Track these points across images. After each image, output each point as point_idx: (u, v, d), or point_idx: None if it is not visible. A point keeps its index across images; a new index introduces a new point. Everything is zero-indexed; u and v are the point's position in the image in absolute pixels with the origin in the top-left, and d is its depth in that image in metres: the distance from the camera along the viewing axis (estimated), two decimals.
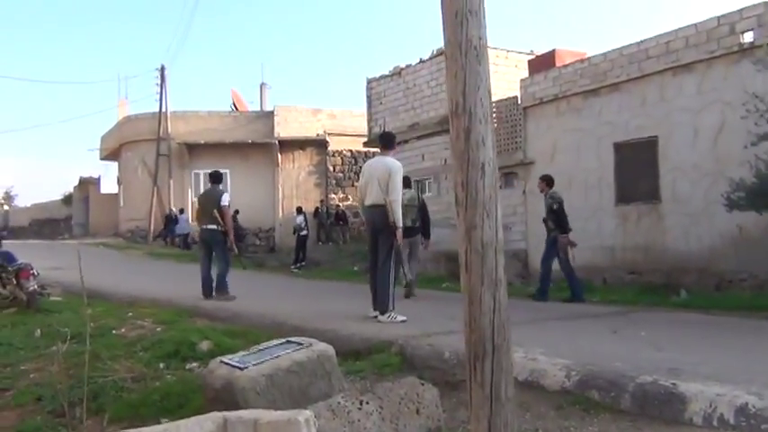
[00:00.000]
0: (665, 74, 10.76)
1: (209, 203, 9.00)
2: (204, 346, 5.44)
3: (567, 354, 4.35)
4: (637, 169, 11.20)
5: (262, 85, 31.01)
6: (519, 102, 13.61)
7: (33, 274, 8.17)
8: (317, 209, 23.98)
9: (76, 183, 35.14)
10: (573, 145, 12.39)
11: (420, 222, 10.04)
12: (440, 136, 15.95)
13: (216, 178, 9.43)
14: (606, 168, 11.75)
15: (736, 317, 6.84)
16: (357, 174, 25.69)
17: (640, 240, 11.15)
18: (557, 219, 9.63)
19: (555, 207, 9.60)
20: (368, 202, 6.71)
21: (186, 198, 25.69)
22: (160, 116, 26.24)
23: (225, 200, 9.01)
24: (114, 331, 6.44)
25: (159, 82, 26.61)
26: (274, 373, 3.70)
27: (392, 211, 6.52)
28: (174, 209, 25.28)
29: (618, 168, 11.59)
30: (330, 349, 4.13)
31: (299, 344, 4.20)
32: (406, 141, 17.06)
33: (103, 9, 70.45)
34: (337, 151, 25.74)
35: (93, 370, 4.70)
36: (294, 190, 25.41)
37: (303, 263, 18.07)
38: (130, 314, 7.32)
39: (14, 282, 8.15)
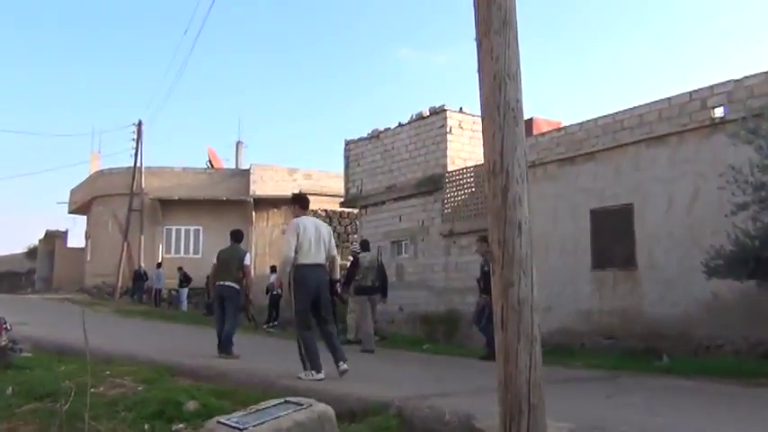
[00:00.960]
0: (639, 144, 11.14)
1: (233, 261, 9.08)
2: (191, 405, 5.26)
3: (569, 417, 4.32)
4: (613, 236, 11.43)
5: (238, 143, 31.18)
6: None
7: (6, 328, 7.89)
8: None
9: (42, 236, 34.40)
10: (550, 210, 12.63)
11: (379, 282, 10.88)
12: (417, 198, 16.15)
13: (237, 236, 9.54)
14: (582, 234, 11.97)
15: (722, 383, 6.90)
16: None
17: (617, 305, 11.28)
18: (486, 280, 9.79)
19: (486, 269, 9.93)
20: (312, 260, 6.72)
21: (157, 254, 25.28)
22: (135, 171, 26.08)
23: (248, 259, 9.20)
24: (93, 389, 6.19)
25: (135, 137, 26.57)
26: None
27: (336, 269, 6.87)
28: (143, 265, 24.82)
29: (594, 234, 11.81)
30: (330, 410, 4.06)
31: (299, 404, 4.11)
32: (383, 203, 17.22)
33: (79, 60, 70.64)
34: (312, 211, 25.73)
35: (74, 431, 4.51)
36: (267, 248, 25.24)
37: (276, 322, 17.78)
38: (108, 372, 7.06)
39: None
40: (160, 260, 24.78)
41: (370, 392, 5.47)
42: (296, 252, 6.69)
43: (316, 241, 6.75)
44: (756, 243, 7.24)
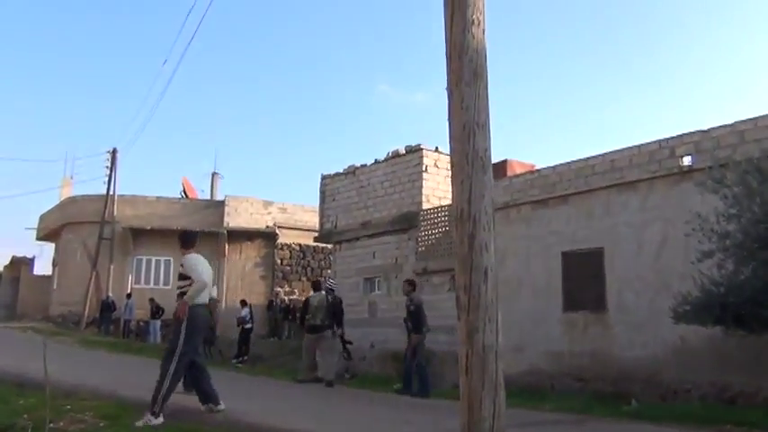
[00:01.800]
0: (610, 189, 11.34)
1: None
2: None
3: None
4: (584, 278, 11.55)
5: (213, 175, 31.10)
6: None
7: None
8: (270, 302, 23.55)
9: (7, 262, 33.68)
10: (522, 251, 12.74)
11: (328, 321, 11.75)
12: (391, 235, 16.19)
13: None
14: (554, 276, 12.07)
15: (688, 429, 6.94)
16: (305, 268, 25.59)
17: (587, 348, 11.34)
18: (413, 320, 10.97)
19: (411, 308, 11.03)
20: (203, 301, 6.67)
21: (126, 284, 24.87)
22: (107, 198, 25.79)
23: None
24: (51, 425, 6.02)
25: (110, 164, 26.33)
26: None
27: (216, 309, 6.84)
28: (111, 295, 24.36)
29: (565, 276, 11.92)
30: None
31: None
32: (357, 239, 17.22)
33: (55, 86, 70.24)
34: (286, 244, 25.67)
35: None
36: (239, 281, 25.00)
37: (245, 357, 17.51)
38: (69, 406, 6.87)
39: None
40: (129, 290, 24.37)
41: None
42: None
43: (210, 282, 6.75)
44: (721, 290, 7.37)
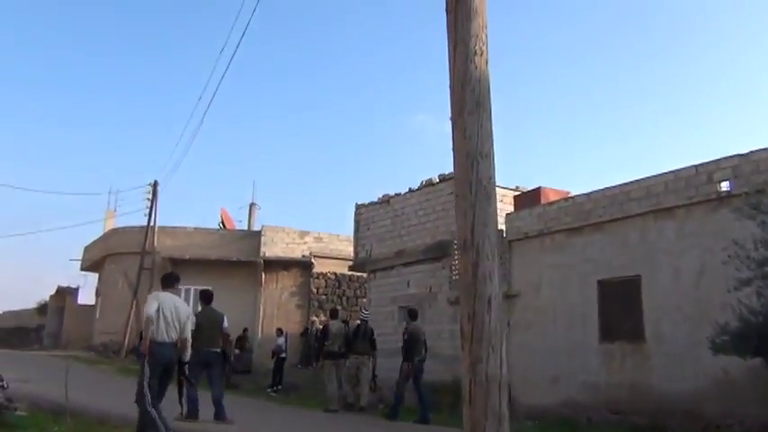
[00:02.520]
0: (646, 216, 11.14)
1: (215, 326, 9.25)
2: None
3: None
4: (620, 308, 11.30)
5: (251, 205, 31.52)
6: (504, 235, 13.92)
7: (2, 386, 7.89)
8: (306, 329, 23.59)
9: (53, 291, 34.56)
10: (557, 280, 12.56)
11: (344, 348, 12.41)
12: (425, 264, 16.13)
13: (208, 299, 9.68)
14: (590, 305, 11.84)
15: None
16: (341, 296, 25.60)
17: (625, 379, 11.04)
18: (405, 348, 11.59)
19: (405, 337, 11.70)
20: (163, 339, 6.93)
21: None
22: (147, 230, 26.37)
23: (226, 322, 9.42)
24: None
25: (150, 197, 26.97)
26: None
27: (185, 350, 7.25)
28: None
29: (601, 306, 11.69)
30: None
31: None
32: (391, 268, 17.21)
33: (99, 122, 72.66)
34: (322, 273, 25.76)
35: None
36: (276, 310, 25.13)
37: (280, 386, 17.53)
38: None
39: None
40: None
41: None
42: (155, 324, 6.88)
43: (171, 319, 7.00)
44: (760, 319, 7.14)
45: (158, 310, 6.88)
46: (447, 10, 2.45)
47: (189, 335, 7.26)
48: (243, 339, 22.52)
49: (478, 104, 2.31)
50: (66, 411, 4.96)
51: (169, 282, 7.49)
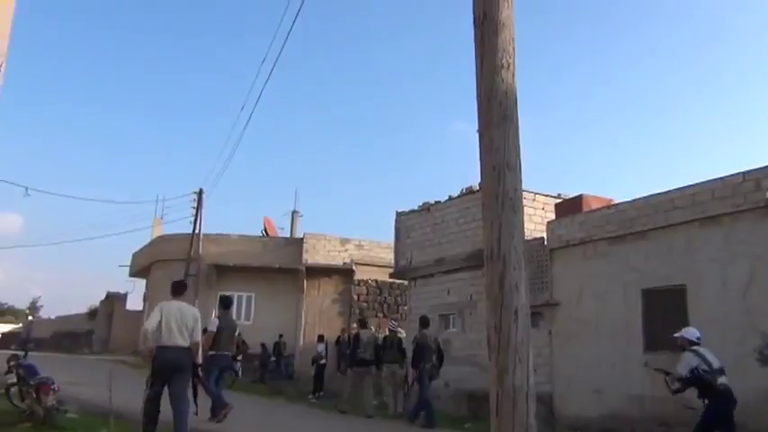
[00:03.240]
0: (691, 224, 10.88)
1: (233, 332, 10.51)
2: None
3: None
4: (666, 317, 11.04)
5: (293, 213, 31.89)
6: (545, 243, 13.76)
7: (54, 389, 8.17)
8: (338, 337, 23.74)
9: (103, 297, 35.55)
10: (599, 289, 12.36)
11: (374, 357, 13.03)
12: (466, 272, 16.04)
13: (229, 304, 10.86)
14: (634, 315, 11.61)
15: None
16: (382, 304, 25.66)
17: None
18: (414, 355, 12.21)
19: (414, 345, 12.32)
20: (171, 343, 7.35)
21: (210, 319, 25.75)
22: (193, 237, 26.92)
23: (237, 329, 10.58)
24: None
25: (195, 205, 27.55)
26: None
27: (197, 353, 7.69)
28: None
29: (646, 315, 11.45)
30: None
31: None
32: (432, 275, 17.19)
33: (147, 135, 74.61)
34: (363, 281, 25.87)
35: None
36: (317, 317, 25.33)
37: (321, 392, 17.66)
38: None
39: (34, 395, 8.12)
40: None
41: None
42: (159, 332, 7.33)
43: (177, 326, 7.34)
44: None
45: (160, 321, 7.30)
46: (474, 24, 2.48)
47: (199, 338, 7.64)
48: (279, 345, 22.74)
49: (505, 117, 2.33)
50: (110, 414, 5.15)
51: (177, 289, 7.85)
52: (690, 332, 7.43)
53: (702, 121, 67.08)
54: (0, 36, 10.31)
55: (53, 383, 8.18)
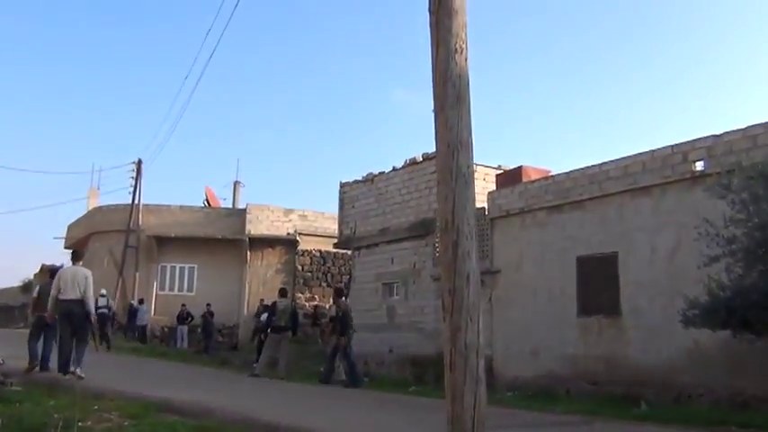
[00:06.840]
0: (624, 194, 11.44)
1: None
2: None
3: None
4: (598, 283, 11.64)
5: (235, 183, 31.56)
6: (486, 213, 14.18)
7: None
8: (258, 307, 23.47)
9: (37, 270, 34.44)
10: (537, 257, 12.89)
11: (291, 323, 14.32)
12: (409, 241, 16.39)
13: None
14: (569, 281, 12.18)
15: (693, 430, 7.05)
16: (326, 274, 25.85)
17: (602, 352, 11.44)
18: (340, 323, 12.95)
19: (339, 314, 13.09)
20: (67, 297, 9.66)
21: (151, 291, 25.43)
22: (132, 208, 26.39)
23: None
24: (80, 423, 6.33)
25: (135, 175, 26.94)
26: None
27: (89, 304, 9.88)
28: (134, 302, 24.88)
29: (580, 281, 12.03)
30: None
31: None
32: (376, 245, 17.47)
33: (82, 100, 71.75)
34: (307, 251, 25.97)
35: None
36: (261, 288, 25.35)
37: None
38: (96, 407, 7.20)
39: None
40: (152, 296, 24.96)
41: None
42: (59, 292, 9.65)
43: (71, 284, 9.72)
44: (728, 293, 7.48)
45: (59, 283, 9.68)
46: (430, 10, 2.65)
47: (90, 293, 9.88)
48: (206, 315, 22.45)
49: (459, 98, 2.52)
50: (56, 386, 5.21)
51: (75, 257, 10.75)
52: None
53: (646, 93, 69.44)
54: None
55: None
